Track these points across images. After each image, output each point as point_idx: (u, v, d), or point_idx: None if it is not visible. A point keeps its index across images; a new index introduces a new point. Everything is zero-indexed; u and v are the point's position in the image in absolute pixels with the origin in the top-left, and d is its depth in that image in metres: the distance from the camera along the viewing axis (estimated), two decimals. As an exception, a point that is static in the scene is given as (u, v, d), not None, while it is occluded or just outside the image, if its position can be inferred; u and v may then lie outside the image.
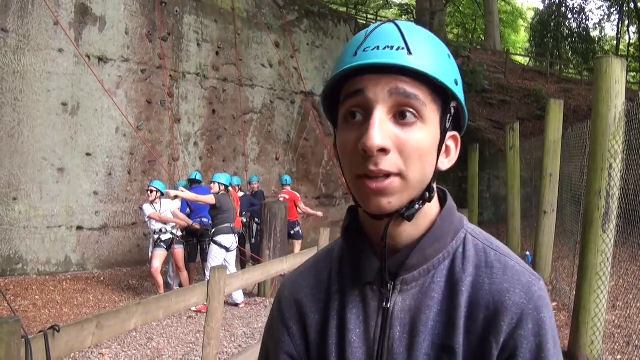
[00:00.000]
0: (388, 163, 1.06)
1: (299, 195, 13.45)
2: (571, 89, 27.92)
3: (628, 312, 8.74)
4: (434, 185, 1.19)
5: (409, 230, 1.17)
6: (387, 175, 1.06)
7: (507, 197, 15.30)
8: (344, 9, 31.55)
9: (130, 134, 12.80)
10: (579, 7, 40.86)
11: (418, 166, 1.09)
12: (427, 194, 1.15)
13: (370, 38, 1.11)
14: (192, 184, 11.31)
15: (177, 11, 14.02)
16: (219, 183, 10.21)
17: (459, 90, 1.16)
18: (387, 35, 1.11)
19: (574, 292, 7.35)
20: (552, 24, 40.04)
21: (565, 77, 33.39)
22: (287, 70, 16.74)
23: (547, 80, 30.18)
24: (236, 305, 10.01)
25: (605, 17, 41.67)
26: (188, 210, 10.97)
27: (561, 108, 11.10)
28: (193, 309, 9.17)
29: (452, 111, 1.17)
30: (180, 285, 10.26)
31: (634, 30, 38.28)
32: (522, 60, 41.29)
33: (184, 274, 10.39)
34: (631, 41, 39.00)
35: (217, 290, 5.20)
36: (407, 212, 1.12)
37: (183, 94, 14.24)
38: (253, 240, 12.43)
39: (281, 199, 12.54)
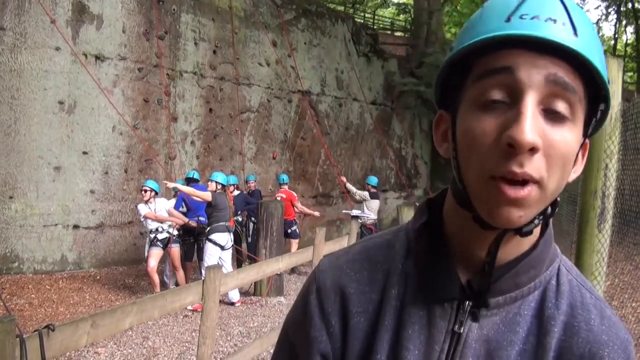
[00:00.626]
0: (533, 166, 0.85)
1: (295, 195, 13.46)
2: (568, 88, 27.96)
3: (624, 311, 8.75)
4: (559, 200, 0.97)
5: (510, 248, 0.98)
6: (527, 181, 0.85)
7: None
8: (341, 8, 31.49)
9: (127, 133, 12.79)
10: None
11: (559, 174, 0.89)
12: (550, 210, 0.95)
13: (526, 3, 0.87)
14: (189, 182, 11.31)
15: (174, 10, 14.00)
16: (215, 182, 10.22)
17: (609, 92, 0.94)
18: (547, 3, 0.87)
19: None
20: (550, 24, 40.10)
21: (563, 77, 33.46)
22: (284, 69, 16.71)
23: (544, 79, 30.23)
24: (232, 304, 10.02)
25: (603, 16, 41.77)
26: (182, 208, 10.96)
27: (558, 108, 11.12)
28: (189, 307, 9.16)
29: (599, 115, 0.95)
30: (177, 284, 10.25)
31: (631, 31, 38.37)
32: (520, 59, 41.35)
33: (180, 273, 10.38)
34: (629, 41, 39.09)
35: (212, 290, 5.19)
36: (526, 227, 0.92)
37: (180, 92, 14.22)
38: (249, 239, 12.42)
39: (278, 198, 12.54)
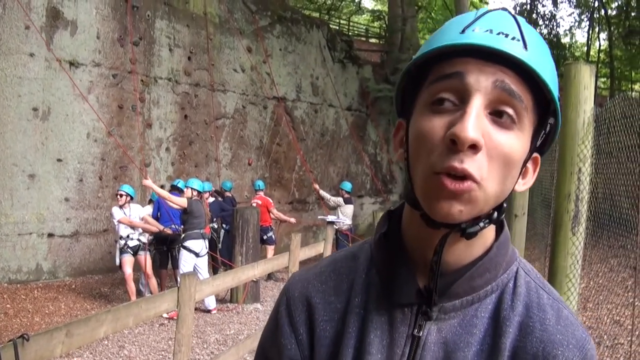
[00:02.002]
0: (474, 164, 0.89)
1: (271, 201, 13.47)
2: (542, 94, 28.20)
3: (599, 313, 8.85)
4: (505, 206, 1.01)
5: (461, 252, 1.02)
6: (467, 177, 0.90)
7: (478, 202, 15.43)
8: (316, 15, 31.57)
9: (102, 140, 12.73)
10: (549, 13, 41.23)
11: (501, 177, 0.93)
12: (496, 214, 0.99)
13: (482, 19, 0.96)
14: (172, 190, 11.30)
15: (148, 16, 13.96)
16: (191, 188, 10.21)
17: (559, 106, 0.99)
18: (501, 21, 0.95)
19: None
20: (523, 30, 40.43)
21: (536, 83, 33.72)
22: (260, 76, 16.72)
23: (518, 85, 30.45)
24: (208, 311, 10.00)
25: (576, 23, 42.19)
26: (158, 214, 10.93)
27: (531, 113, 11.23)
28: (165, 315, 9.12)
29: (547, 128, 1.01)
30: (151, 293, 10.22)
31: (604, 37, 38.74)
32: (494, 65, 41.60)
33: (152, 281, 10.35)
34: (601, 47, 39.47)
35: (187, 297, 5.18)
36: (470, 229, 0.96)
37: (155, 99, 14.17)
38: (220, 246, 12.38)
39: (254, 204, 12.54)
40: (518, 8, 41.25)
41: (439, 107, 0.93)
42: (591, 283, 10.27)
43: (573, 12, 44.70)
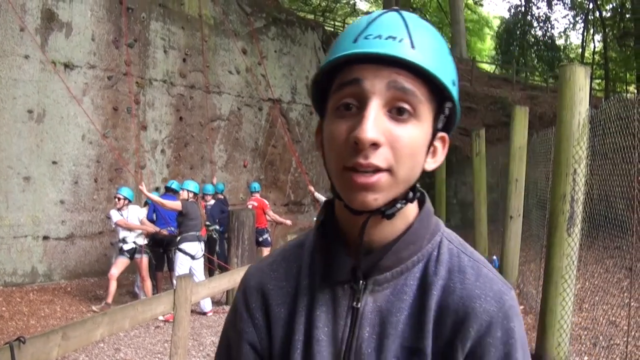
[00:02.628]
0: (379, 157, 1.02)
1: (267, 203, 13.45)
2: (537, 96, 28.21)
3: (594, 313, 8.86)
4: (418, 186, 1.16)
5: (386, 230, 1.15)
6: (376, 170, 1.03)
7: (474, 203, 15.42)
8: (311, 17, 31.60)
9: (97, 142, 12.71)
10: (544, 15, 41.43)
11: (408, 164, 1.06)
12: (411, 194, 1.13)
13: (372, 25, 1.08)
14: (167, 192, 11.30)
15: (143, 17, 13.95)
16: (187, 190, 10.21)
17: (455, 91, 1.12)
18: (390, 24, 1.07)
19: (540, 295, 7.45)
20: (518, 32, 40.59)
21: (531, 85, 33.76)
22: (255, 77, 16.73)
23: (512, 87, 30.46)
24: (204, 313, 9.98)
25: (571, 25, 42.29)
26: (154, 216, 10.93)
27: (526, 115, 11.24)
28: (161, 318, 9.12)
29: (447, 112, 1.14)
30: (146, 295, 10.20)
31: (598, 39, 38.80)
32: (489, 68, 41.69)
33: (147, 283, 10.34)
34: (596, 49, 39.54)
35: (183, 299, 5.18)
36: (388, 211, 1.09)
37: (150, 101, 14.16)
38: (217, 249, 12.38)
39: (250, 206, 12.53)
40: (513, 10, 41.41)
41: (345, 111, 1.07)
42: (587, 284, 10.29)
43: (568, 14, 45.00)
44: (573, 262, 6.82)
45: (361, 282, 1.14)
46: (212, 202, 12.45)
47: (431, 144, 1.13)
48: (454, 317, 1.09)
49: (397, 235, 1.15)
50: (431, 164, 1.16)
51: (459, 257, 1.16)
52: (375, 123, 1.01)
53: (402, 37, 1.04)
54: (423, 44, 1.06)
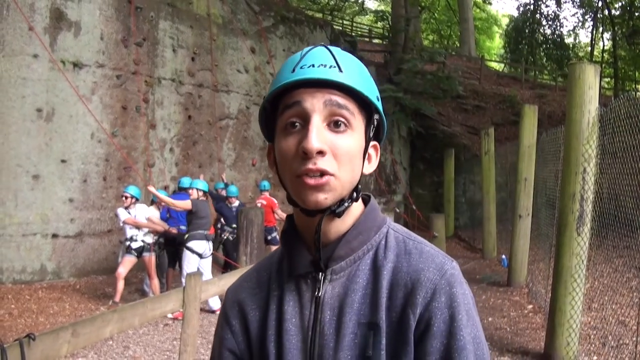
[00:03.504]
0: (325, 163, 1.21)
1: (276, 202, 13.43)
2: (545, 94, 28.13)
3: (603, 313, 8.83)
4: (360, 187, 1.34)
5: (337, 226, 1.33)
6: (323, 174, 1.21)
7: (482, 202, 15.42)
8: (320, 15, 31.60)
9: (106, 140, 12.72)
10: (553, 14, 41.28)
11: (348, 168, 1.25)
12: (355, 194, 1.32)
13: (305, 57, 1.28)
14: (180, 190, 11.32)
15: (152, 17, 13.97)
16: (197, 189, 10.23)
17: (380, 105, 1.34)
18: (320, 55, 1.28)
19: (550, 295, 7.43)
20: (527, 31, 40.43)
21: (540, 83, 33.66)
22: (263, 76, 16.73)
23: (521, 86, 30.38)
24: (213, 312, 9.98)
25: (580, 24, 42.13)
26: (168, 215, 10.96)
27: (535, 113, 11.22)
28: (169, 316, 9.12)
29: (375, 122, 1.34)
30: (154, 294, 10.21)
31: (608, 37, 38.65)
32: (497, 66, 41.57)
33: (155, 282, 10.35)
34: (605, 48, 39.39)
35: (192, 297, 5.19)
36: (337, 209, 1.28)
37: (158, 99, 14.18)
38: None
39: (258, 205, 12.51)
40: (522, 8, 41.25)
41: (291, 129, 1.25)
42: (596, 283, 10.26)
43: (577, 12, 44.88)
44: (582, 261, 6.80)
45: (320, 273, 1.32)
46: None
47: (366, 150, 1.33)
48: (404, 290, 1.25)
49: (347, 229, 1.34)
50: (368, 168, 1.37)
51: (405, 242, 1.34)
52: (318, 135, 1.21)
53: (332, 64, 1.26)
54: (349, 69, 1.27)
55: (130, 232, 10.15)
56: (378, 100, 1.34)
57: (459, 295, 1.24)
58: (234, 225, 11.55)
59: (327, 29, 20.19)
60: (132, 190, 10.35)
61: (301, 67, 1.26)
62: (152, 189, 10.35)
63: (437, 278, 1.25)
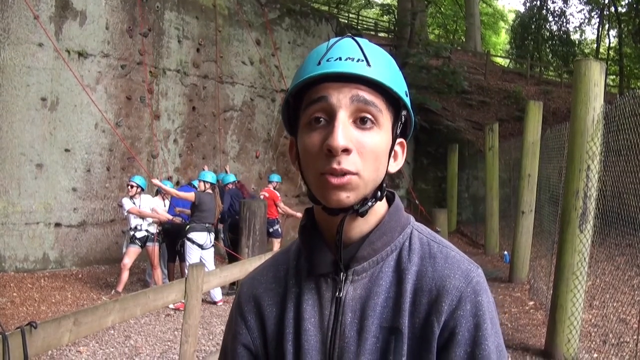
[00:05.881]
0: (349, 162, 1.16)
1: (279, 195, 13.42)
2: (551, 90, 28.10)
3: (605, 311, 8.83)
4: (385, 186, 1.29)
5: (360, 226, 1.28)
6: (346, 173, 1.17)
7: (485, 197, 15.42)
8: (325, 8, 31.56)
9: (110, 130, 12.72)
10: (559, 10, 41.19)
11: (373, 166, 1.21)
12: (379, 193, 1.27)
13: (332, 50, 1.23)
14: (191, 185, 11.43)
15: (158, 7, 13.96)
16: (204, 181, 10.24)
17: (408, 101, 1.28)
18: (347, 48, 1.23)
19: (551, 291, 7.43)
20: (533, 27, 40.34)
21: (545, 79, 33.62)
22: (268, 68, 16.72)
23: (526, 82, 30.35)
24: (214, 303, 10.01)
25: (586, 20, 42.07)
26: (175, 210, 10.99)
27: (540, 109, 11.21)
28: (171, 306, 9.14)
29: (403, 119, 1.29)
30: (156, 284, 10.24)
31: (614, 34, 38.56)
32: (503, 61, 41.56)
33: (158, 272, 10.39)
34: (611, 44, 39.30)
35: (194, 288, 5.20)
36: (361, 208, 1.23)
37: (163, 90, 14.18)
38: (222, 236, 12.35)
39: (261, 197, 12.52)
40: (528, 4, 41.17)
41: (316, 125, 1.21)
42: (597, 281, 10.26)
43: (583, 9, 44.63)
44: (584, 258, 6.81)
45: (342, 273, 1.28)
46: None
47: (392, 148, 1.28)
48: (429, 296, 1.22)
49: (370, 229, 1.29)
50: (394, 166, 1.32)
51: (429, 245, 1.30)
52: (344, 132, 1.16)
53: (359, 58, 1.20)
54: (377, 63, 1.21)
55: (134, 221, 10.18)
56: (407, 95, 1.28)
57: (484, 304, 1.22)
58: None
59: (332, 22, 20.15)
60: (138, 180, 10.38)
61: (327, 60, 1.21)
62: (156, 181, 10.39)
63: (463, 286, 1.22)
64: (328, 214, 1.25)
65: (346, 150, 1.16)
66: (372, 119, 1.20)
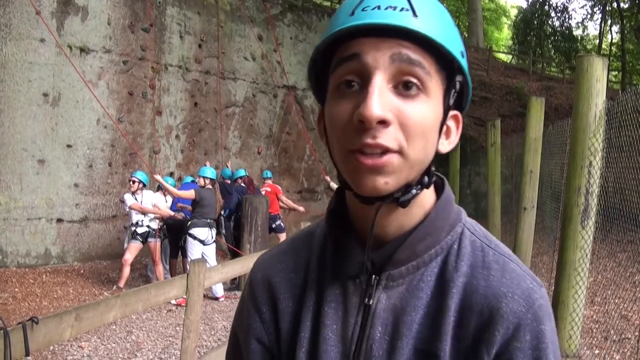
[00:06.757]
0: (388, 137, 0.92)
1: (280, 188, 13.41)
2: (553, 86, 28.05)
3: (606, 307, 8.83)
4: (433, 170, 1.06)
5: (401, 220, 1.05)
6: (385, 151, 0.93)
7: (487, 194, 15.38)
8: (327, 4, 31.48)
9: (112, 126, 12.73)
10: (562, 6, 41.18)
11: (420, 144, 0.96)
12: (426, 179, 1.02)
13: None
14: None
15: (160, 2, 13.95)
16: (204, 177, 10.24)
17: (465, 63, 1.01)
18: None
19: (553, 288, 7.43)
20: (535, 22, 40.36)
21: (547, 75, 33.54)
22: (270, 64, 16.69)
23: (529, 77, 30.29)
24: (216, 298, 10.02)
25: (588, 16, 41.97)
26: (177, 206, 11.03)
27: (542, 105, 11.18)
28: (173, 302, 9.16)
29: (457, 86, 1.02)
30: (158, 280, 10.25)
31: (616, 30, 38.54)
32: (505, 57, 41.43)
33: (159, 268, 10.39)
34: (613, 40, 39.27)
35: (196, 283, 5.20)
36: (402, 197, 0.99)
37: (165, 86, 14.18)
38: (224, 232, 12.33)
39: (263, 192, 12.51)
40: (531, 0, 41.14)
41: (346, 90, 0.97)
42: (599, 277, 10.25)
43: (585, 5, 44.60)
44: (586, 255, 6.80)
45: (374, 277, 1.05)
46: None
47: (444, 122, 1.02)
48: (478, 318, 0.99)
49: (412, 226, 1.05)
50: (446, 146, 1.06)
51: (483, 251, 1.05)
52: (380, 99, 0.91)
53: (403, 6, 0.94)
54: (426, 13, 0.95)
55: (136, 217, 10.18)
56: (463, 57, 1.00)
57: (548, 335, 0.99)
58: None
59: (334, 17, 20.11)
60: (141, 175, 10.38)
61: (363, 9, 0.95)
62: (158, 177, 10.41)
63: (523, 310, 0.98)
64: (361, 201, 1.01)
65: (383, 122, 0.92)
66: (419, 83, 0.95)
